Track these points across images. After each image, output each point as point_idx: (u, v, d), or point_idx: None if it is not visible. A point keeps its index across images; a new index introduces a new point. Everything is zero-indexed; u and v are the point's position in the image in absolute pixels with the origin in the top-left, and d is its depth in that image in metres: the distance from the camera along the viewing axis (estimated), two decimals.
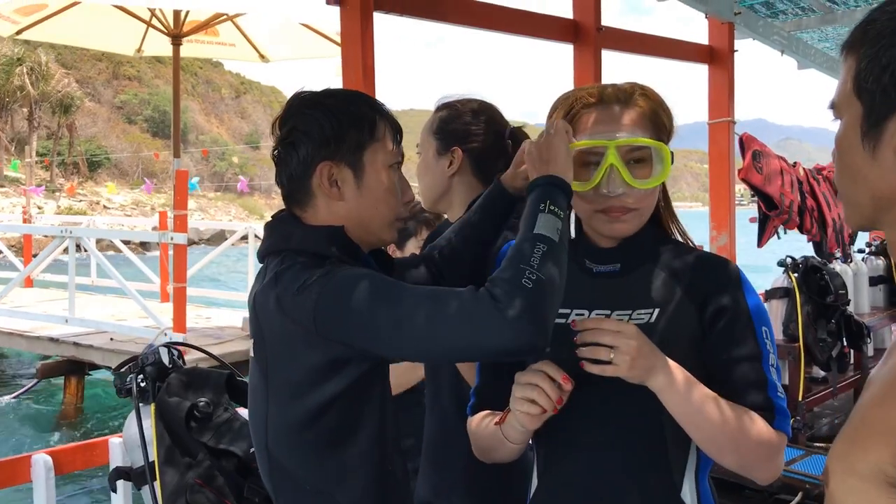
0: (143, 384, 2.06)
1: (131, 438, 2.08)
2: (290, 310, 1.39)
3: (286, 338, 1.42)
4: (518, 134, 2.01)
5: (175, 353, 2.16)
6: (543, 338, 1.26)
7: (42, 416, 9.07)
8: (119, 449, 2.39)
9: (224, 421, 2.07)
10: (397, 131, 1.58)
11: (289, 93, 1.58)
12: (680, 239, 1.59)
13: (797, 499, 3.25)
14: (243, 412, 2.16)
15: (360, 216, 1.52)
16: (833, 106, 0.91)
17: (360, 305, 1.34)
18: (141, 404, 2.05)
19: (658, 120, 1.49)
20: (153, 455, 2.01)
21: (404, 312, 1.32)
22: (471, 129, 1.99)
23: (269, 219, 1.60)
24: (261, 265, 1.58)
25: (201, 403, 2.04)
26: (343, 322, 1.36)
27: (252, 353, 1.53)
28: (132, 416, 2.06)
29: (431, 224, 2.59)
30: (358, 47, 2.62)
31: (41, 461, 2.40)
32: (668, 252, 1.53)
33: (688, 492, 1.45)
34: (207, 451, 2.00)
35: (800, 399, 4.37)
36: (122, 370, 2.12)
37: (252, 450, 1.99)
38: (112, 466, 2.37)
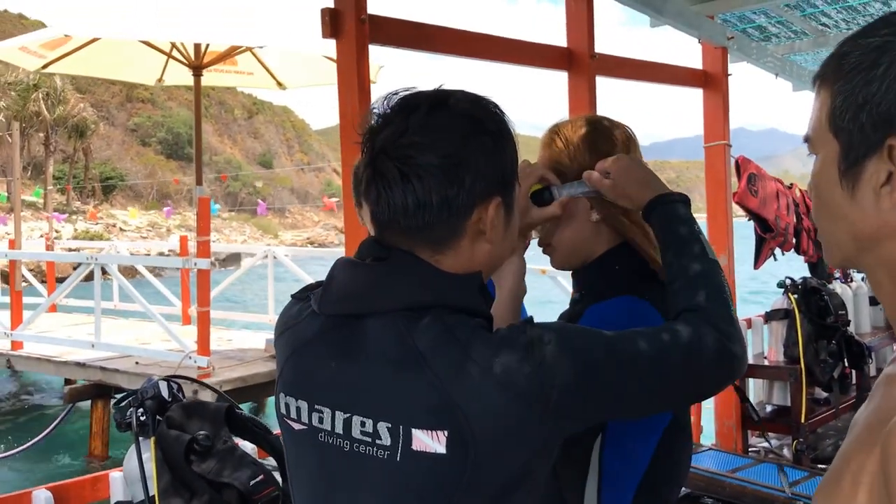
0: (142, 418, 2.06)
1: (131, 472, 2.10)
2: (526, 391, 1.09)
3: (511, 427, 1.10)
4: None
5: (175, 386, 2.17)
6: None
7: (74, 442, 9.34)
8: (120, 483, 2.36)
9: (224, 453, 2.07)
10: None
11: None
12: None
13: None
14: (242, 444, 2.18)
15: (494, 263, 1.26)
16: (807, 140, 0.88)
17: (611, 370, 1.15)
18: (141, 438, 2.06)
19: (553, 165, 1.57)
20: (153, 489, 2.01)
21: (656, 367, 1.18)
22: None
23: (360, 259, 1.22)
24: (332, 315, 1.20)
25: (201, 437, 2.04)
26: (594, 393, 1.14)
27: (387, 442, 1.12)
28: (132, 449, 2.08)
29: None
30: (354, 80, 2.70)
31: (42, 497, 2.39)
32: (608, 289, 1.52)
33: None
34: (207, 484, 2.02)
35: (802, 421, 4.40)
36: (122, 404, 2.14)
37: (252, 482, 2.01)
38: (113, 501, 2.38)
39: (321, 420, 1.18)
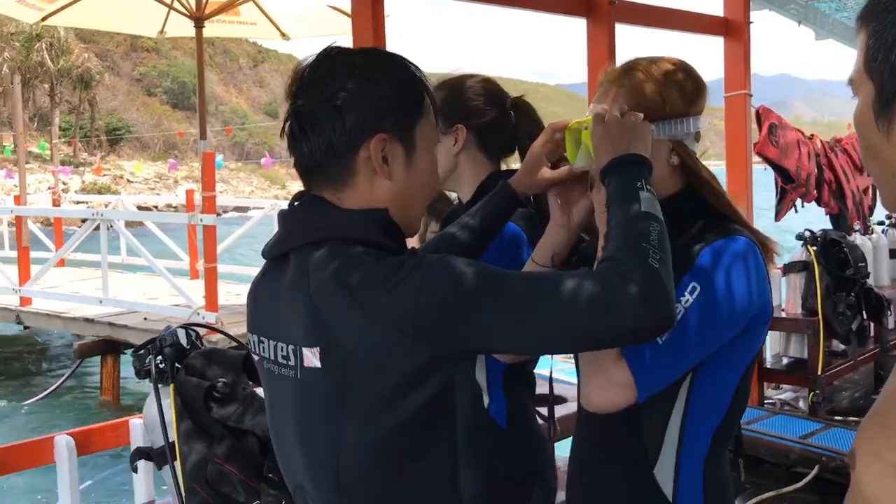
0: (161, 365, 2.07)
1: (151, 419, 2.10)
2: (380, 310, 1.19)
3: (373, 344, 1.20)
4: (519, 104, 2.02)
5: (193, 333, 2.17)
6: (674, 319, 1.24)
7: (85, 397, 9.37)
8: (140, 430, 2.39)
9: (242, 400, 2.07)
10: (437, 110, 1.42)
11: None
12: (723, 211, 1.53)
13: (814, 472, 3.23)
14: (261, 392, 2.24)
15: (403, 200, 1.33)
16: (850, 82, 0.89)
17: (472, 298, 1.19)
18: (160, 385, 2.07)
19: (638, 99, 1.50)
20: (173, 435, 2.02)
21: (527, 302, 1.19)
22: (472, 104, 1.99)
23: (288, 207, 1.39)
24: (273, 258, 1.37)
25: (219, 384, 2.05)
26: (452, 319, 1.19)
27: (293, 363, 1.29)
28: (152, 396, 2.09)
29: (439, 213, 2.50)
30: (369, 27, 2.68)
31: (63, 442, 2.41)
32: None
33: (663, 471, 1.48)
34: (226, 430, 2.02)
35: (819, 373, 4.37)
36: (141, 352, 2.15)
37: None
38: (133, 447, 2.38)
39: (264, 350, 1.36)
